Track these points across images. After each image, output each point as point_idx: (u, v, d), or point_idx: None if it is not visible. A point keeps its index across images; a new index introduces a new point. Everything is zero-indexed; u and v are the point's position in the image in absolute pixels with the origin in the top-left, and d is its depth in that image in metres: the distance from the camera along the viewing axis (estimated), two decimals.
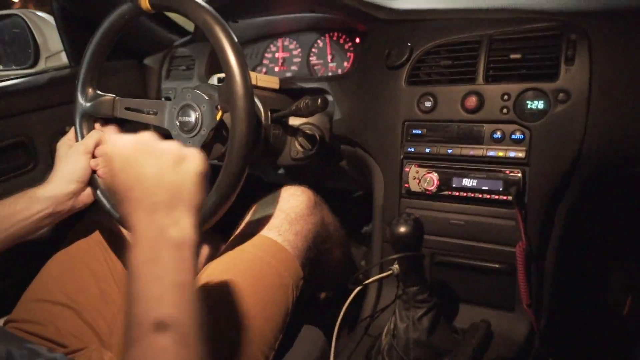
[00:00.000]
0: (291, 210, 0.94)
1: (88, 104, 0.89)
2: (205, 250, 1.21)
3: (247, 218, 0.97)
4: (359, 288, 0.87)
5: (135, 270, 0.49)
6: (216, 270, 0.85)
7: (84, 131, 0.89)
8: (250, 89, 0.74)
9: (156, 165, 0.54)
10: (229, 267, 0.86)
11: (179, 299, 0.48)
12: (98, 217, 0.96)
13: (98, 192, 0.87)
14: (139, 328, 0.45)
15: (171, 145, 0.57)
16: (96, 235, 0.95)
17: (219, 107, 0.79)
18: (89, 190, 0.88)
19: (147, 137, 0.57)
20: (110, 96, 0.89)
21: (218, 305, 0.79)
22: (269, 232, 0.90)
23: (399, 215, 0.78)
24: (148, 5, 0.79)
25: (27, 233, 0.83)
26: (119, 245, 0.96)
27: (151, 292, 0.48)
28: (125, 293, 0.91)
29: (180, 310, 0.48)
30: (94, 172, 0.87)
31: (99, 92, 0.90)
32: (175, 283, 0.49)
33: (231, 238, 0.94)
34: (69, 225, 0.98)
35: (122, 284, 0.92)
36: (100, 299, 0.88)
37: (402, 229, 0.75)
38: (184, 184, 0.55)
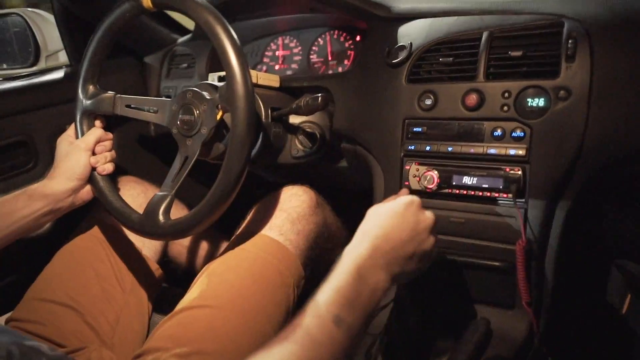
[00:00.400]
0: (293, 210, 0.93)
1: (88, 101, 0.89)
2: (206, 248, 1.21)
3: (249, 217, 0.97)
4: None
5: (341, 279, 0.58)
6: (217, 270, 0.85)
7: (84, 128, 0.89)
8: (251, 89, 0.74)
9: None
10: (229, 266, 0.86)
11: (358, 316, 0.56)
12: (101, 215, 0.97)
13: (97, 189, 0.87)
14: (326, 309, 0.54)
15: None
16: (99, 234, 0.95)
17: (219, 107, 0.79)
18: (88, 187, 0.88)
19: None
20: (110, 93, 0.89)
21: (219, 305, 0.79)
22: (270, 231, 0.90)
23: None
24: (150, 4, 0.79)
25: (27, 230, 0.83)
26: (122, 244, 0.96)
27: (346, 296, 0.56)
28: (130, 291, 0.91)
29: (354, 322, 0.55)
30: (93, 169, 0.87)
31: (99, 89, 0.90)
32: (363, 306, 0.57)
33: (232, 237, 0.94)
34: (72, 223, 0.98)
35: (125, 283, 0.93)
36: (103, 298, 0.89)
37: None
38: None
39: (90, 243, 0.94)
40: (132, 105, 0.88)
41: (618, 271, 1.20)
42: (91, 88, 0.89)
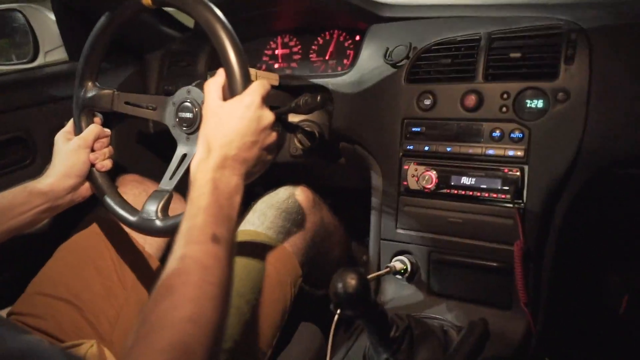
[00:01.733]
0: (289, 210, 0.94)
1: (87, 98, 0.89)
2: None
3: (246, 216, 0.97)
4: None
5: (202, 198, 0.60)
6: None
7: (83, 125, 0.89)
8: (250, 81, 0.73)
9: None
10: None
11: (230, 227, 0.60)
12: (103, 212, 0.96)
13: (96, 186, 0.87)
14: (201, 233, 0.56)
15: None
16: (101, 231, 0.95)
17: None
18: (87, 184, 0.88)
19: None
20: (109, 90, 0.89)
21: None
22: (267, 230, 0.91)
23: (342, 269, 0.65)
24: (149, 1, 0.79)
25: (25, 226, 0.83)
26: (123, 241, 0.95)
27: (213, 214, 0.59)
28: (131, 288, 0.91)
29: (229, 234, 0.59)
30: (92, 165, 0.87)
31: (98, 85, 0.89)
32: (229, 216, 0.61)
33: None
34: (73, 219, 0.98)
35: (126, 280, 0.93)
36: (104, 296, 0.89)
37: (342, 287, 0.63)
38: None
39: (92, 240, 0.94)
40: (130, 102, 0.88)
41: (615, 272, 1.21)
42: (90, 84, 0.89)
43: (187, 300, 0.49)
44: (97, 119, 0.91)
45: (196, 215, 0.58)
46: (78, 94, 0.89)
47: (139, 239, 0.98)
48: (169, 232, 0.79)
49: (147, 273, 0.97)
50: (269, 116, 0.70)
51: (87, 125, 0.89)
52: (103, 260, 0.92)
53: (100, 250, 0.93)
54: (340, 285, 0.62)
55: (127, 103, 0.88)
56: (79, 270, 0.90)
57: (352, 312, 0.65)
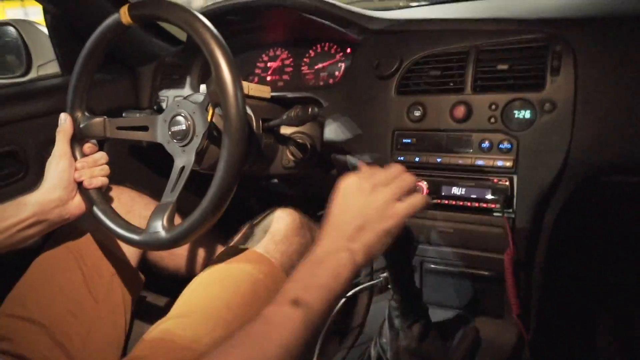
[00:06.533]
0: (276, 232, 0.95)
1: (79, 128, 0.89)
2: (202, 254, 1.21)
3: (236, 238, 0.98)
4: (343, 300, 0.87)
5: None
6: (204, 282, 0.86)
7: (77, 155, 0.89)
8: (240, 83, 0.74)
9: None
10: (216, 279, 0.86)
11: (319, 295, 0.58)
12: (73, 223, 0.92)
13: (92, 206, 0.86)
14: (282, 296, 0.56)
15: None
16: (71, 244, 0.93)
17: (209, 106, 0.79)
18: (78, 200, 0.86)
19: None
20: (100, 118, 0.88)
21: (205, 316, 0.79)
22: (257, 249, 0.92)
23: None
24: (129, 19, 0.80)
25: (15, 242, 0.81)
26: (95, 252, 0.94)
27: (305, 282, 0.58)
28: (102, 301, 0.90)
29: (315, 302, 0.57)
30: (80, 183, 0.86)
31: (87, 114, 0.89)
32: (328, 286, 0.59)
33: (219, 254, 0.95)
34: (43, 237, 0.96)
35: (97, 293, 0.91)
36: (72, 311, 0.87)
37: None
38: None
39: (61, 254, 0.92)
40: (122, 127, 0.88)
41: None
42: (80, 115, 0.89)
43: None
44: (90, 146, 0.90)
45: (284, 285, 0.59)
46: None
47: (113, 247, 0.97)
48: (179, 242, 0.78)
49: (121, 283, 0.95)
50: (387, 190, 0.65)
51: (80, 153, 0.88)
52: (72, 274, 0.90)
53: (69, 263, 0.91)
54: None
55: (119, 128, 0.88)
56: (47, 287, 0.88)
57: (401, 261, 0.76)
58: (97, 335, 0.87)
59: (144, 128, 0.86)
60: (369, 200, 0.64)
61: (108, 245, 0.96)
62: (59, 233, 0.94)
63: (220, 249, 1.11)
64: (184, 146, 0.81)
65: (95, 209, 0.86)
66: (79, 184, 0.87)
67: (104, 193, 0.89)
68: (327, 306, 0.58)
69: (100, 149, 0.93)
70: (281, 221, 0.98)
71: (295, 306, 0.55)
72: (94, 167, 0.88)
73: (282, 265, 0.92)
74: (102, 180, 0.88)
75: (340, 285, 0.59)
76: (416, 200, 0.66)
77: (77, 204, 0.87)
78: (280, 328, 0.53)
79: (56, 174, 0.84)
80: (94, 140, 0.92)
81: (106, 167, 0.90)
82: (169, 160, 0.83)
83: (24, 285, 0.89)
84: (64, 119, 0.87)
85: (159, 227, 0.77)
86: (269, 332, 0.53)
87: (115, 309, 0.92)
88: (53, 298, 0.87)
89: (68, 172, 0.85)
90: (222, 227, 0.91)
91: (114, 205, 0.89)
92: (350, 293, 0.89)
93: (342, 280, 0.60)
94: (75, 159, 0.87)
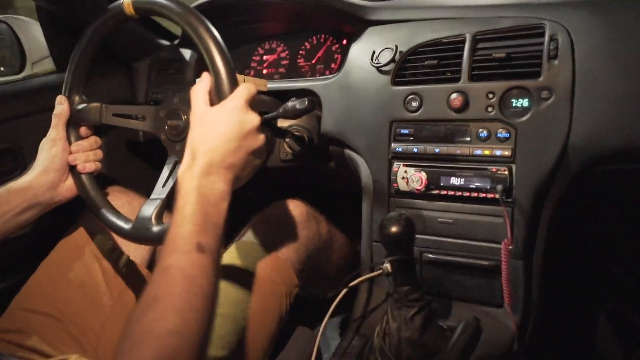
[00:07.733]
0: (283, 225, 0.96)
1: (75, 111, 0.88)
2: None
3: (242, 232, 0.98)
4: (344, 290, 0.87)
5: (187, 206, 0.60)
6: None
7: (72, 139, 0.88)
8: (236, 79, 0.73)
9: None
10: (222, 273, 0.86)
11: (216, 235, 0.60)
12: (87, 222, 0.96)
13: (86, 196, 0.86)
14: (187, 242, 0.56)
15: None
16: (87, 241, 0.94)
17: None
18: (70, 183, 0.86)
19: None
20: (97, 103, 0.88)
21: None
22: (262, 242, 0.92)
23: (390, 214, 0.78)
24: (132, 11, 0.79)
25: (8, 230, 0.81)
26: (109, 251, 0.95)
27: (199, 222, 0.59)
28: (117, 298, 0.90)
29: (215, 242, 0.59)
30: (73, 167, 0.86)
31: (85, 98, 0.89)
32: (215, 224, 0.60)
33: (225, 249, 0.95)
34: (58, 231, 0.97)
35: (112, 290, 0.92)
36: (88, 307, 0.87)
37: (394, 229, 0.75)
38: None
39: (76, 251, 0.93)
40: (119, 114, 0.88)
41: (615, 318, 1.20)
42: (77, 98, 0.88)
43: (172, 312, 0.49)
44: (85, 129, 0.90)
45: (181, 224, 0.58)
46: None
47: (124, 247, 0.98)
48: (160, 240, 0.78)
49: (134, 282, 0.96)
50: (254, 119, 0.69)
51: (76, 137, 0.88)
52: (87, 271, 0.91)
53: (85, 260, 0.92)
54: (393, 227, 0.75)
55: (115, 115, 0.88)
56: (62, 282, 0.88)
57: (403, 251, 0.76)
58: (110, 331, 0.87)
59: (141, 118, 0.85)
60: (244, 137, 0.66)
61: (120, 245, 0.97)
62: (72, 231, 0.95)
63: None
64: (178, 141, 0.81)
65: (86, 193, 0.86)
66: (72, 167, 0.86)
67: (96, 180, 0.88)
68: (222, 243, 0.61)
69: None
70: (288, 214, 0.98)
71: (203, 252, 0.56)
72: (89, 152, 0.87)
73: (288, 258, 0.92)
74: (95, 165, 0.87)
75: (222, 219, 0.62)
76: (241, 89, 0.69)
77: (68, 187, 0.86)
78: (200, 279, 0.54)
79: (49, 157, 0.84)
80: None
81: (99, 151, 0.89)
82: (165, 156, 0.82)
83: (36, 282, 0.89)
84: (61, 102, 0.87)
85: (147, 222, 0.76)
86: (192, 286, 0.53)
87: (128, 306, 0.93)
88: (69, 293, 0.87)
89: (61, 156, 0.84)
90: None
91: (109, 198, 0.89)
92: (351, 284, 0.89)
93: (224, 213, 0.62)
94: (70, 143, 0.87)
